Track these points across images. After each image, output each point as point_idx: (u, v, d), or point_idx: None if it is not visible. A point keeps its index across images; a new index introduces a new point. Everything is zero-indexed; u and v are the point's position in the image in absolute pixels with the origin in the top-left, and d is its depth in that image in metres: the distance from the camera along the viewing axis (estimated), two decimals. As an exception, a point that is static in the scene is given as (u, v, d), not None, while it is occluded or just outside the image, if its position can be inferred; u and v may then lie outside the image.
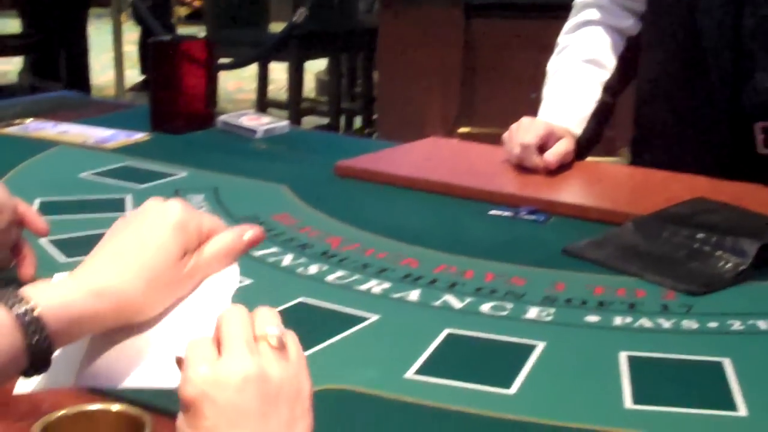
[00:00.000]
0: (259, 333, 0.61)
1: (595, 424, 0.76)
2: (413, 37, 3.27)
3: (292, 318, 0.93)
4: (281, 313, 0.64)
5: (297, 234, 1.18)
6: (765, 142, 1.37)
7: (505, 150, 1.44)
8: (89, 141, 1.61)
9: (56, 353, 0.62)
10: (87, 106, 1.98)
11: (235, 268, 0.71)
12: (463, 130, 3.18)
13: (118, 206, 1.27)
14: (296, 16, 3.50)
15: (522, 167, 1.42)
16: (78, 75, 4.45)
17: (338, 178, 1.44)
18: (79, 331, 0.64)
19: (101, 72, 5.60)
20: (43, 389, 0.65)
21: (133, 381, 0.65)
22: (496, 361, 0.87)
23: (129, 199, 1.30)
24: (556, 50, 1.58)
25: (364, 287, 1.02)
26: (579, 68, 1.52)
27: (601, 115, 1.50)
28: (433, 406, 0.78)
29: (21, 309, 0.60)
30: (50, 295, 0.62)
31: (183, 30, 5.77)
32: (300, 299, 0.98)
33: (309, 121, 4.34)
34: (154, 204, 0.69)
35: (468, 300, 0.99)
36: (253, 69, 4.39)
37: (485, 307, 0.98)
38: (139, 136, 1.64)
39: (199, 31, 4.63)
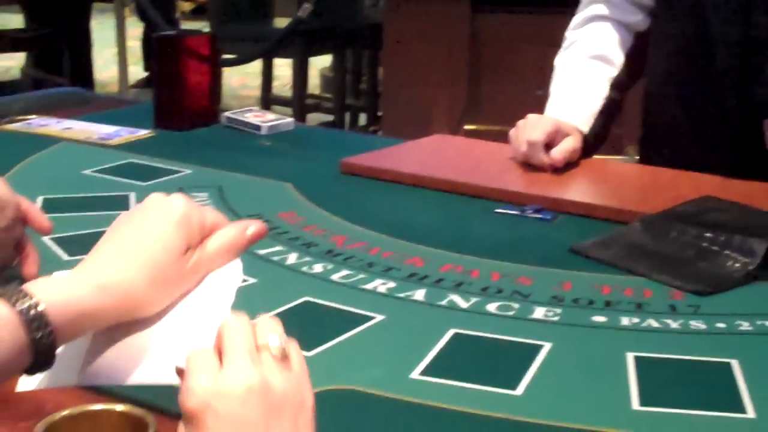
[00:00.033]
0: (261, 343, 0.59)
1: (601, 425, 0.75)
2: (419, 32, 3.26)
3: (296, 317, 0.93)
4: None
5: (302, 232, 1.17)
6: (774, 139, 1.36)
7: (511, 147, 1.44)
8: (93, 137, 1.60)
9: (59, 351, 0.61)
10: (90, 103, 1.97)
11: (238, 264, 0.70)
12: (469, 127, 3.17)
13: (121, 204, 1.26)
14: (301, 11, 3.49)
15: (528, 165, 1.41)
16: (81, 70, 4.45)
17: (343, 175, 1.43)
18: (82, 327, 0.63)
19: (104, 67, 5.60)
20: (46, 387, 0.65)
21: (136, 378, 0.65)
22: (502, 362, 0.86)
23: (133, 197, 1.29)
24: (564, 46, 1.57)
25: (369, 286, 1.01)
26: (586, 64, 1.51)
27: (609, 112, 1.49)
28: (438, 407, 0.77)
29: (24, 305, 0.59)
30: (53, 291, 0.61)
31: (187, 25, 5.76)
32: (305, 298, 0.97)
33: (314, 118, 4.33)
34: (156, 199, 0.69)
35: (474, 300, 0.99)
36: (257, 65, 4.38)
37: (491, 307, 0.97)
38: (143, 133, 1.64)
39: (203, 26, 4.62)
